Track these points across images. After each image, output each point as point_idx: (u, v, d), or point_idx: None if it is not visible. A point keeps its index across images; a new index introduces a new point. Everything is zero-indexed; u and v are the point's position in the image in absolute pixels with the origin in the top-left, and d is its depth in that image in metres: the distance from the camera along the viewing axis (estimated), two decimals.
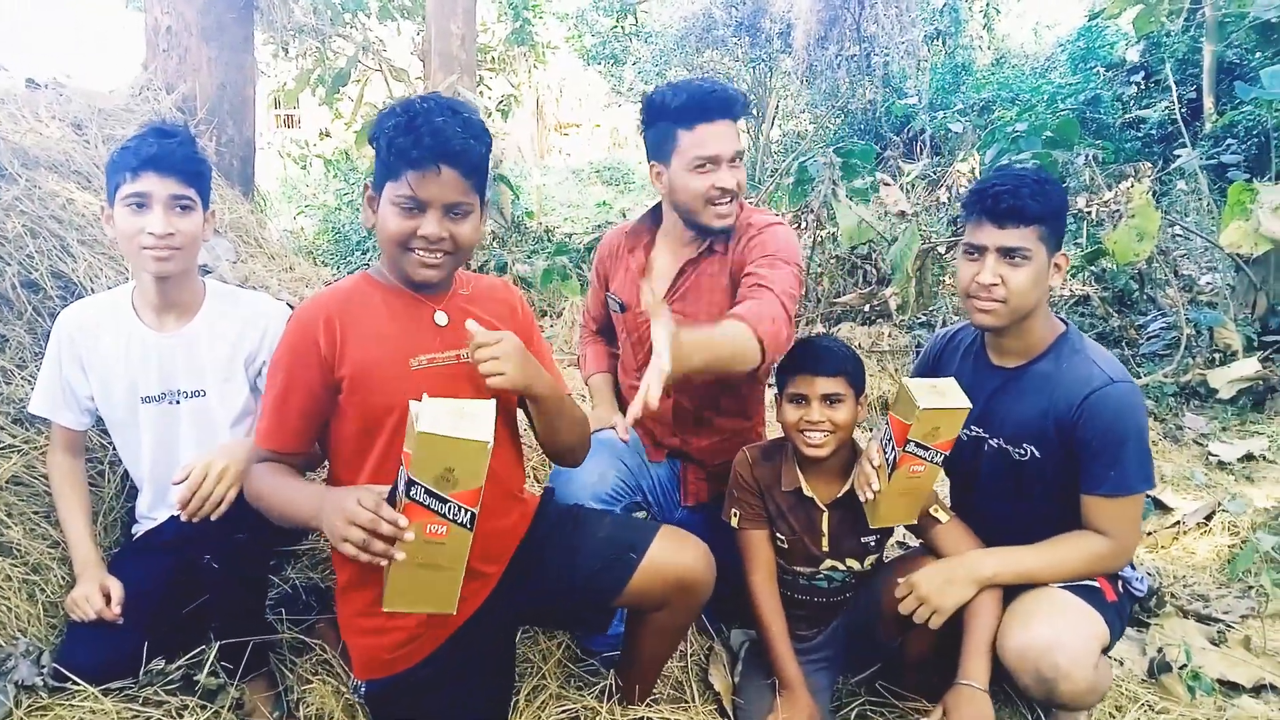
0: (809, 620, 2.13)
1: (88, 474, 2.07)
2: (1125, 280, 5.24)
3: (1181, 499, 3.35)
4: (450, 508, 1.32)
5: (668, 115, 2.03)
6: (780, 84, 14.44)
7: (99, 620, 1.79)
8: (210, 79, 4.02)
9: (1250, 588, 2.66)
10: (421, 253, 1.53)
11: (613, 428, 2.22)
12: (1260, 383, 4.31)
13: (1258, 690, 2.15)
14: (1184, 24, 8.00)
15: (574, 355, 4.42)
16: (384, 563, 1.32)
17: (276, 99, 10.49)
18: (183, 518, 1.67)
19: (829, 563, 2.04)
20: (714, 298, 2.13)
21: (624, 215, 11.09)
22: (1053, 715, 1.85)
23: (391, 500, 1.34)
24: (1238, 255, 4.58)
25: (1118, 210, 5.05)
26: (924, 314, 5.36)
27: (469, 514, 1.33)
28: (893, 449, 1.77)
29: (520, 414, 1.77)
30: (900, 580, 1.84)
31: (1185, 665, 2.13)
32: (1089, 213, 5.38)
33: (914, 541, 2.30)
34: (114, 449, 2.07)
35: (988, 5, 13.47)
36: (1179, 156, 5.46)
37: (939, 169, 8.02)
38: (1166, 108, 8.48)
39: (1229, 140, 7.63)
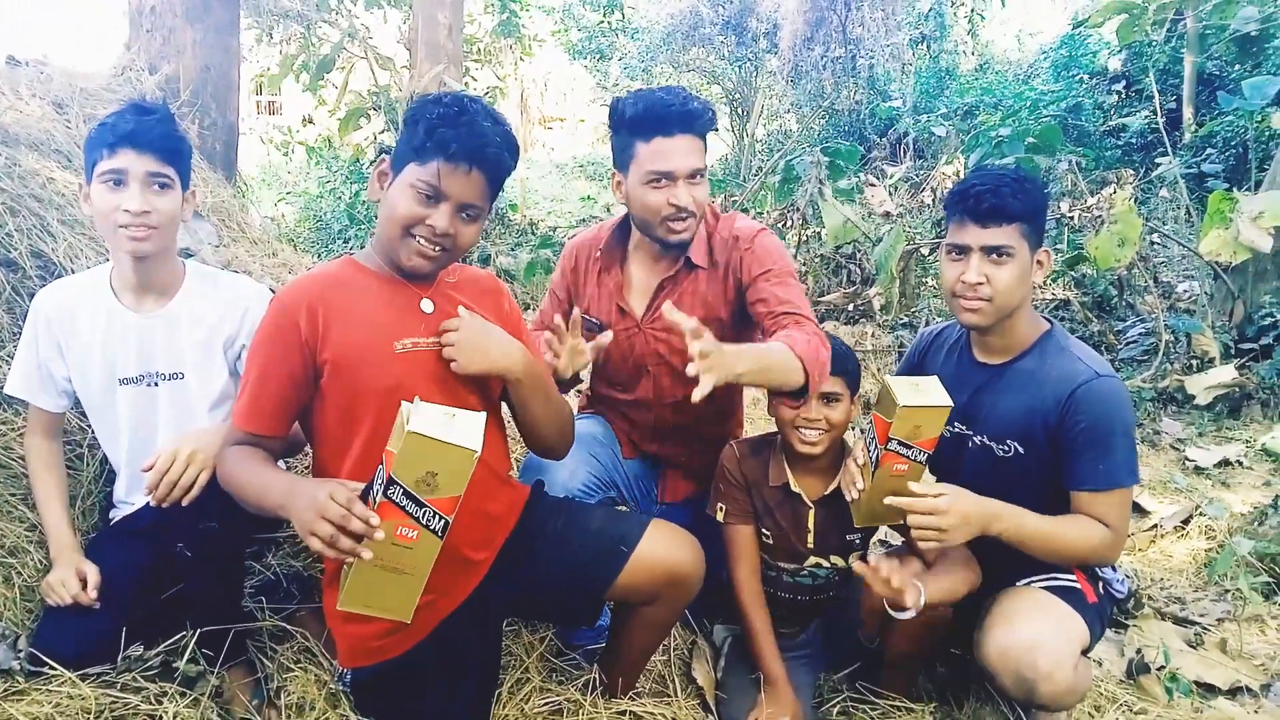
0: (791, 617, 2.14)
1: (66, 457, 2.03)
2: (1105, 286, 5.30)
3: (1159, 503, 3.39)
4: (425, 513, 1.31)
5: (625, 125, 1.94)
6: (765, 83, 14.48)
7: (75, 605, 1.76)
8: (194, 61, 3.97)
9: (1226, 591, 2.70)
10: (423, 242, 1.53)
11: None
12: (1237, 389, 4.37)
13: (1233, 692, 2.18)
14: (1166, 35, 8.09)
15: None
16: (349, 560, 1.31)
17: (259, 84, 10.37)
18: (152, 503, 1.64)
19: (813, 559, 2.04)
20: (696, 314, 1.90)
21: (609, 210, 11.07)
22: (1032, 715, 1.86)
23: (365, 498, 1.33)
24: (1216, 263, 4.65)
25: (1099, 216, 5.12)
26: (907, 314, 5.39)
27: (443, 521, 1.32)
28: (875, 447, 1.77)
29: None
30: (926, 494, 1.71)
31: (1164, 667, 2.15)
32: (1070, 218, 5.44)
33: (896, 540, 2.31)
34: (93, 432, 2.04)
35: (972, 11, 13.56)
36: (1159, 165, 5.54)
37: (922, 172, 8.08)
38: (1147, 116, 8.60)
39: (1208, 150, 7.75)
